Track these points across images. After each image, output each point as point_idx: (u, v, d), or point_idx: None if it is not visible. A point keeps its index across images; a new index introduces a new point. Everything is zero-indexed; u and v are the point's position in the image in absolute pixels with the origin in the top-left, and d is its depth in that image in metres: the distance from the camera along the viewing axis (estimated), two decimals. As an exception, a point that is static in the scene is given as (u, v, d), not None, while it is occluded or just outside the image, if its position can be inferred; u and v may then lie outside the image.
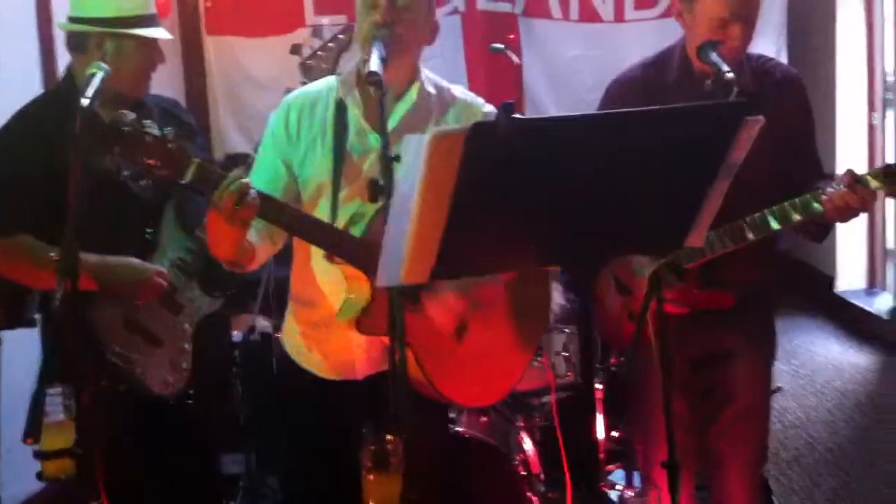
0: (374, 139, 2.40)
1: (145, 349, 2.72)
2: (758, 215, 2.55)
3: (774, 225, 2.54)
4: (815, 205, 2.51)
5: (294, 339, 2.55)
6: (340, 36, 3.58)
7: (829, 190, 2.50)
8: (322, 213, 2.38)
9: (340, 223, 2.36)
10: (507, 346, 2.52)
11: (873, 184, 2.47)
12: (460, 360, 2.44)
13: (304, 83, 3.51)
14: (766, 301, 2.89)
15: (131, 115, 2.09)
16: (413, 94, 2.44)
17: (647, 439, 2.90)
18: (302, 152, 2.42)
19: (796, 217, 2.53)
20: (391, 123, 2.37)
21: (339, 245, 2.29)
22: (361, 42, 2.34)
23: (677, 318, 2.60)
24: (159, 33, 2.79)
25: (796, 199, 2.53)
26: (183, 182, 2.15)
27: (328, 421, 2.47)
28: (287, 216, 2.28)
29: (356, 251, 2.26)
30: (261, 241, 2.39)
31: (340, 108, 2.43)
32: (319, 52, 3.63)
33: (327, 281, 2.42)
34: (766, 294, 2.88)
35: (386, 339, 2.09)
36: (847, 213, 2.50)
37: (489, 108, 2.55)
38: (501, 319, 2.49)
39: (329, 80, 2.53)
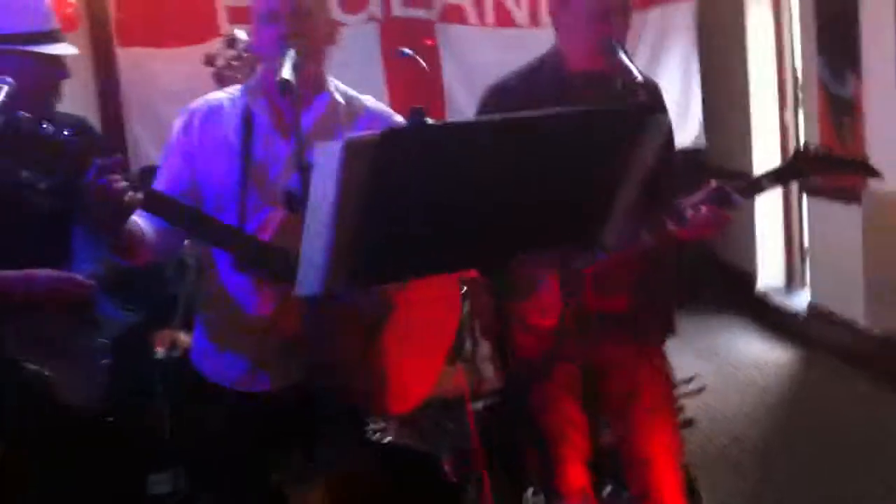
0: (281, 144, 2.39)
1: (59, 363, 2.62)
2: (653, 217, 2.54)
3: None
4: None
5: (203, 344, 2.51)
6: (255, 45, 3.53)
7: (701, 208, 2.50)
8: (228, 220, 2.33)
9: (250, 230, 2.32)
10: (421, 350, 2.52)
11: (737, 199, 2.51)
12: (375, 365, 2.42)
13: (219, 94, 3.47)
14: (658, 301, 2.87)
15: (26, 115, 2.00)
16: (321, 102, 2.44)
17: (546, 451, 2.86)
18: (206, 158, 2.40)
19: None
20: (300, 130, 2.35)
21: (247, 248, 2.24)
22: (265, 52, 2.36)
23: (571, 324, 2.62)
24: (62, 49, 2.70)
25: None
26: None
27: (242, 434, 2.45)
28: (188, 217, 2.23)
29: (266, 256, 2.22)
30: (156, 237, 2.31)
31: (247, 115, 2.42)
32: (234, 62, 3.59)
33: (238, 288, 2.38)
34: (659, 294, 2.87)
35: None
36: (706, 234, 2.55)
37: (399, 118, 2.56)
38: (412, 322, 2.47)
39: (233, 89, 2.52)
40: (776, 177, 2.65)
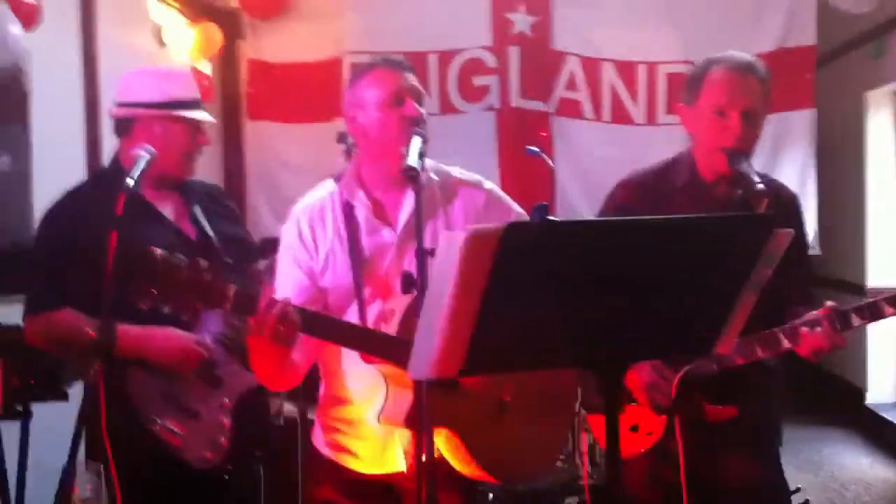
0: (386, 234, 2.42)
1: (184, 422, 2.72)
2: (768, 333, 2.51)
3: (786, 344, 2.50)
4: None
5: (328, 437, 2.53)
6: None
7: (817, 328, 2.45)
8: (351, 316, 2.38)
9: (370, 324, 2.35)
10: (545, 421, 2.52)
11: (856, 322, 2.46)
12: (503, 438, 2.42)
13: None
14: (766, 411, 2.83)
15: (160, 252, 2.07)
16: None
17: None
18: (322, 261, 2.43)
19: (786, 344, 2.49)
20: (402, 217, 2.41)
21: (378, 347, 2.26)
22: (393, 137, 2.33)
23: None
24: (204, 116, 2.90)
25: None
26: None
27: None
28: (326, 326, 2.27)
29: (394, 350, 2.21)
30: (297, 355, 2.36)
31: (347, 209, 2.44)
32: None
33: (360, 380, 2.40)
34: (767, 404, 2.82)
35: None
36: (819, 354, 2.48)
37: (490, 185, 2.57)
38: (536, 395, 2.47)
39: (327, 185, 2.52)
40: None
